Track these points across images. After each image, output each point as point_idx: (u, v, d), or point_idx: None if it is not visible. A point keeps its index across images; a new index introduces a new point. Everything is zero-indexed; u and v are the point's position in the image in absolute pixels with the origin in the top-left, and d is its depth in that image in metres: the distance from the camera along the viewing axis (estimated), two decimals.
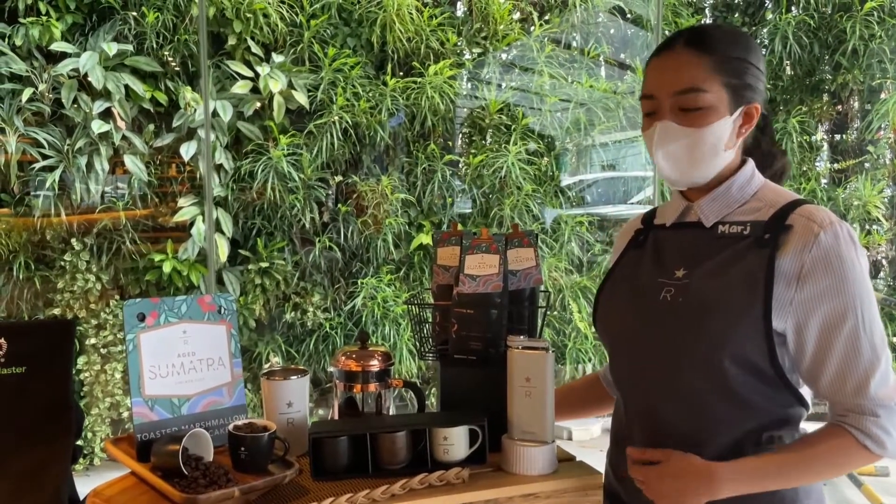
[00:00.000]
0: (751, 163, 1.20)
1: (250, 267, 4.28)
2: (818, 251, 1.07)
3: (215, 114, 4.06)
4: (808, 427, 1.16)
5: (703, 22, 5.04)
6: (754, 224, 1.13)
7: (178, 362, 1.26)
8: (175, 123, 4.12)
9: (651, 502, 1.16)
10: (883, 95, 4.68)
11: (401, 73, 4.55)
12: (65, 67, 3.89)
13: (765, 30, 4.85)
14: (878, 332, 1.08)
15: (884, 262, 4.95)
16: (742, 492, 1.10)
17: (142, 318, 1.24)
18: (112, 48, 3.95)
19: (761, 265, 1.08)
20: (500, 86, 4.73)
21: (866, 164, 4.81)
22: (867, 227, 4.71)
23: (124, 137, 4.06)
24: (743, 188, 1.18)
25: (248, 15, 4.18)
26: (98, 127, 3.91)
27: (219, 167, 4.17)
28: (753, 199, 1.17)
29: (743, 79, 1.14)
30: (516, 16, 4.82)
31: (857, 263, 1.07)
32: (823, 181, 4.90)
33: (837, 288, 1.07)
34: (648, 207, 1.39)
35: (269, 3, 4.20)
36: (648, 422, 1.19)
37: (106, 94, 3.97)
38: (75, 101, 3.94)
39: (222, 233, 4.16)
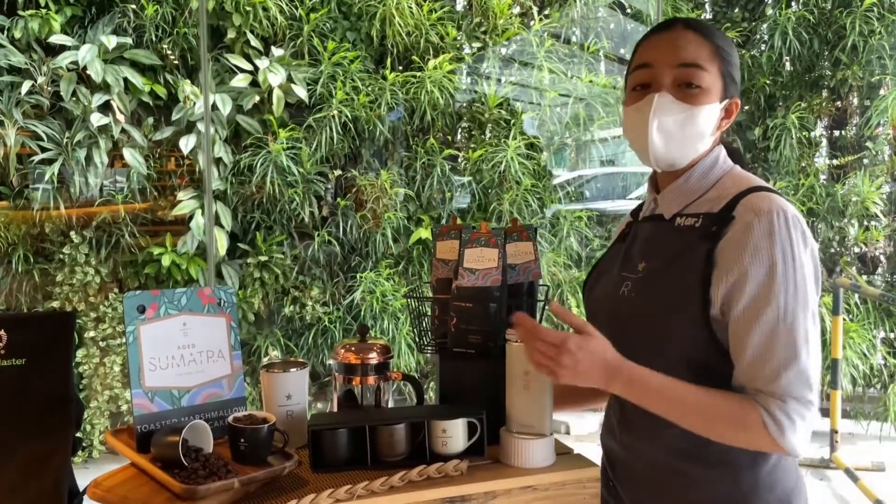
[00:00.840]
0: (715, 152, 1.19)
1: (249, 261, 4.29)
2: (748, 238, 1.04)
3: (214, 107, 4.06)
4: None
5: (703, 17, 5.04)
6: (706, 216, 1.12)
7: (177, 354, 1.27)
8: (174, 117, 4.11)
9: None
10: (882, 92, 4.68)
11: (400, 68, 4.55)
12: (64, 60, 3.89)
13: (764, 25, 4.85)
14: (802, 328, 1.03)
15: (881, 258, 4.96)
16: (630, 397, 1.08)
17: (142, 310, 1.24)
18: (111, 41, 3.94)
19: (700, 257, 1.08)
20: (499, 80, 4.73)
21: (865, 161, 4.81)
22: (865, 223, 4.71)
23: (123, 131, 4.06)
24: (702, 178, 1.17)
25: (248, 8, 4.17)
26: (97, 120, 3.91)
27: (218, 161, 4.17)
28: (714, 189, 1.16)
29: (730, 71, 1.16)
30: (516, 10, 4.81)
31: (788, 252, 1.04)
32: (822, 177, 4.90)
33: (762, 275, 1.03)
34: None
35: None
36: (622, 405, 1.19)
37: (105, 87, 3.96)
38: (74, 93, 3.93)
39: (221, 226, 4.16)
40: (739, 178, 1.16)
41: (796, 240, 1.04)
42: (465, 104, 4.69)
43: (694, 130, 1.14)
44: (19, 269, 4.02)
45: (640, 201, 1.36)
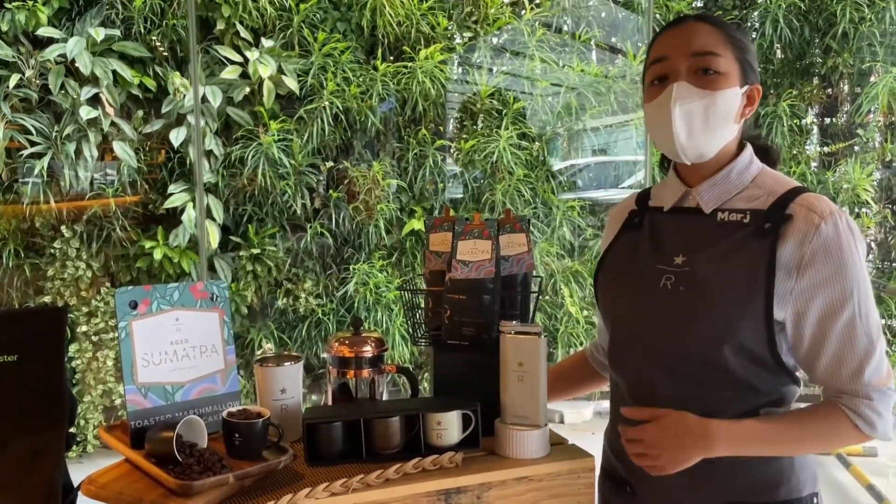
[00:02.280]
0: (749, 148, 1.21)
1: (242, 253, 4.28)
2: (818, 242, 1.08)
3: (204, 99, 4.03)
4: (799, 405, 1.19)
5: (693, 5, 5.04)
6: (754, 212, 1.14)
7: (170, 350, 1.26)
8: (164, 109, 4.09)
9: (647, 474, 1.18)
10: (872, 79, 4.69)
11: (391, 58, 4.53)
12: (52, 53, 3.85)
13: (755, 13, 4.85)
14: (874, 320, 1.10)
15: (872, 244, 4.99)
16: (735, 452, 1.12)
17: (134, 305, 1.24)
18: (99, 33, 3.91)
19: (763, 256, 1.10)
20: (491, 70, 4.71)
21: (856, 148, 4.83)
22: (856, 210, 4.73)
23: (113, 123, 4.03)
24: (742, 174, 1.19)
25: None
26: (86, 113, 3.88)
27: (209, 153, 4.15)
28: (752, 186, 1.18)
29: (747, 58, 1.18)
30: None
31: (856, 253, 1.09)
32: (813, 164, 4.92)
33: (836, 277, 1.08)
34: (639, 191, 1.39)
35: None
36: (647, 401, 1.20)
37: (94, 80, 3.94)
38: (63, 87, 3.90)
39: (213, 219, 4.15)
40: (777, 176, 1.20)
41: (858, 238, 1.11)
42: (457, 94, 4.67)
43: (717, 116, 1.14)
44: (10, 265, 4.00)
45: (634, 190, 1.36)
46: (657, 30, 1.24)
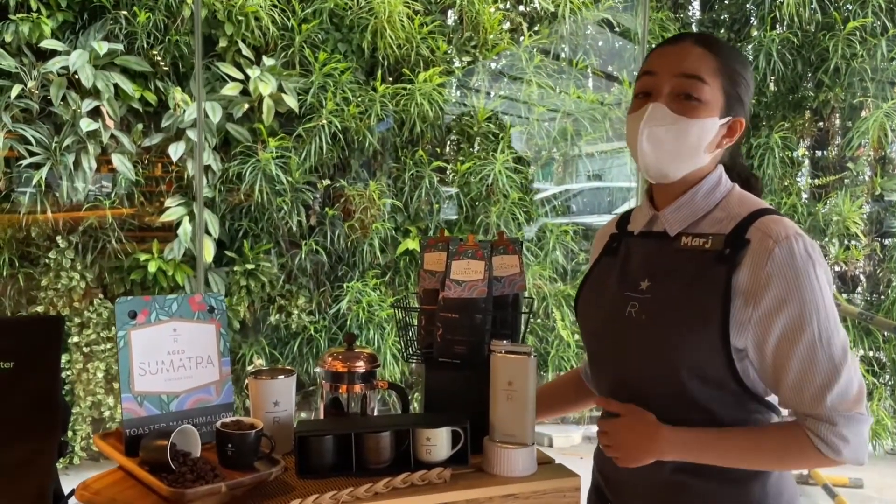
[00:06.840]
0: (718, 170, 1.20)
1: (236, 268, 4.29)
2: (772, 267, 1.06)
3: (204, 115, 4.07)
4: None
5: None
6: (715, 237, 1.13)
7: (167, 360, 1.28)
8: (164, 123, 4.12)
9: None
10: (863, 113, 4.76)
11: (390, 80, 4.58)
12: (54, 65, 3.89)
13: (749, 46, 4.93)
14: (838, 344, 1.07)
15: (861, 277, 5.03)
16: (685, 458, 1.13)
17: (133, 315, 1.26)
18: (102, 47, 3.95)
19: (720, 282, 1.09)
20: (488, 94, 4.77)
21: (846, 181, 4.89)
22: (846, 242, 4.79)
23: (112, 136, 4.06)
24: (707, 196, 1.18)
25: (240, 17, 4.20)
26: (86, 125, 3.91)
27: (206, 168, 4.18)
28: (718, 209, 1.17)
29: (737, 90, 1.16)
30: (506, 26, 4.86)
31: (813, 276, 1.07)
32: (804, 196, 4.98)
33: (792, 302, 1.06)
34: None
35: (260, 7, 4.22)
36: None
37: (95, 93, 3.97)
38: (64, 98, 3.93)
39: (208, 233, 4.17)
40: (744, 199, 1.18)
41: (817, 261, 1.08)
42: (454, 116, 4.72)
43: (686, 143, 1.14)
44: (4, 273, 4.00)
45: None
46: None
